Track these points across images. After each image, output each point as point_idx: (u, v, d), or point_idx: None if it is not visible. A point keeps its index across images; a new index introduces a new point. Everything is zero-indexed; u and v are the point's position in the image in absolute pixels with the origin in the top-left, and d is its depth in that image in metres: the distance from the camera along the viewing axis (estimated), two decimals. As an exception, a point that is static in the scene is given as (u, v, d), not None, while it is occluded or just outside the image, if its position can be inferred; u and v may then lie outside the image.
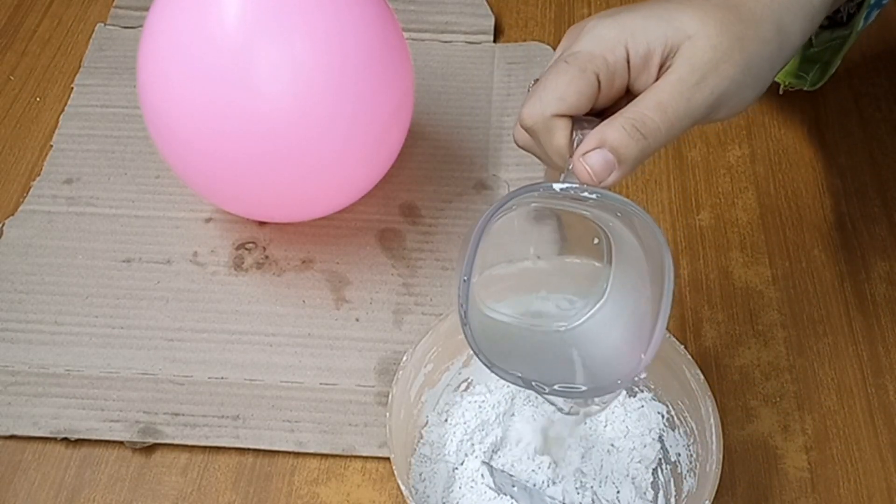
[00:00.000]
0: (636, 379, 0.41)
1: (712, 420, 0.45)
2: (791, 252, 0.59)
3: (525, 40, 0.71)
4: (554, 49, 0.69)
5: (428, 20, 0.72)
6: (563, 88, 0.38)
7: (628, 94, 0.40)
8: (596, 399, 0.43)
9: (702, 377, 0.46)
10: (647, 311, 0.40)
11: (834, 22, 0.58)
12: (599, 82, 0.39)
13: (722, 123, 0.65)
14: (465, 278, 0.37)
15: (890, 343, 0.55)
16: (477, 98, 0.67)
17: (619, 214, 0.40)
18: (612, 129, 0.38)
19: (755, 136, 0.65)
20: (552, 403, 0.43)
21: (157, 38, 0.50)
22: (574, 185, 0.38)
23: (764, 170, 0.63)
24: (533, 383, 0.40)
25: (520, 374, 0.39)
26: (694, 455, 0.47)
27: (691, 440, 0.47)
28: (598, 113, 0.41)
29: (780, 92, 0.63)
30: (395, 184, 0.62)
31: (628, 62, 0.39)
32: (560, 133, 0.39)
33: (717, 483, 0.43)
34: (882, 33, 0.69)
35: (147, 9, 0.51)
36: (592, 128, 0.39)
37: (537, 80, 0.41)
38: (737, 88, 0.39)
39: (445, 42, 0.70)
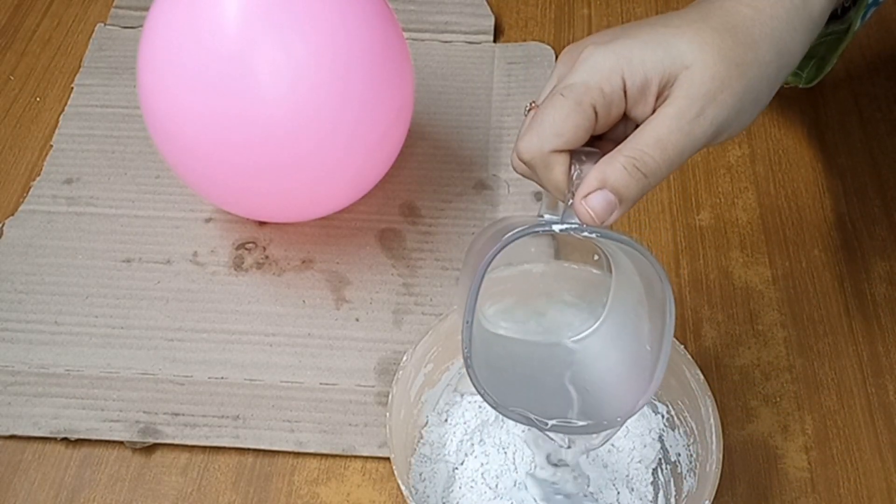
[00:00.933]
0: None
1: (712, 420, 0.45)
2: (791, 252, 0.59)
3: (525, 40, 0.71)
4: (554, 49, 0.70)
5: (428, 20, 0.72)
6: (560, 124, 0.38)
7: (625, 119, 0.40)
8: (594, 435, 0.43)
9: (701, 377, 0.46)
10: (646, 337, 0.40)
11: (830, 16, 0.57)
12: (596, 113, 0.38)
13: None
14: (468, 321, 0.37)
15: (890, 343, 0.55)
16: (477, 98, 0.67)
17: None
18: (613, 170, 0.37)
19: (755, 136, 0.65)
20: (551, 438, 0.43)
21: (157, 39, 0.49)
22: (573, 226, 0.38)
23: (764, 170, 0.63)
24: (534, 419, 0.40)
25: (522, 412, 0.39)
26: (694, 455, 0.47)
27: (691, 440, 0.47)
28: (596, 137, 0.40)
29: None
30: (395, 184, 0.62)
31: (625, 92, 0.38)
32: (558, 168, 0.38)
33: (718, 483, 0.43)
34: (882, 34, 0.69)
35: (147, 9, 0.51)
36: (591, 160, 0.38)
37: (533, 102, 0.41)
38: (736, 115, 0.39)
39: (445, 42, 0.70)
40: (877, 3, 0.55)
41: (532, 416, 0.40)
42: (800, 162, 0.63)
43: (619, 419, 0.40)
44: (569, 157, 0.38)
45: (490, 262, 0.37)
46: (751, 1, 0.40)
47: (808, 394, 0.53)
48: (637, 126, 0.39)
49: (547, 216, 0.40)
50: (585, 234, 0.38)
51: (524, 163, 0.39)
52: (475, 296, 0.37)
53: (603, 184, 0.37)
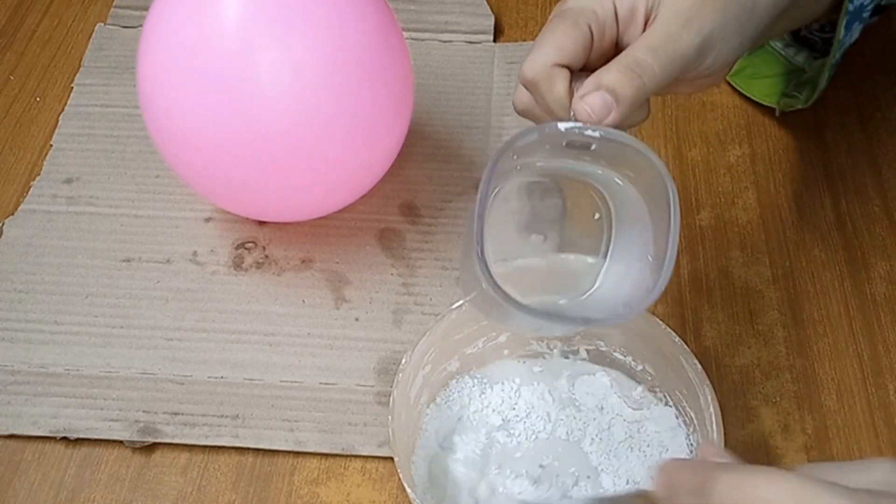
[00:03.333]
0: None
1: (711, 409, 0.45)
2: (791, 252, 0.59)
3: (525, 40, 0.71)
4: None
5: (428, 20, 0.72)
6: (560, 39, 0.41)
7: (618, 53, 0.42)
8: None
9: (699, 367, 0.46)
10: (654, 264, 0.41)
11: (826, 54, 0.59)
12: (592, 35, 0.41)
13: (722, 123, 0.65)
14: (479, 215, 0.38)
15: (890, 343, 0.55)
16: (477, 98, 0.67)
17: (617, 164, 0.41)
18: (608, 73, 0.40)
19: (755, 136, 0.65)
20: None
21: (156, 38, 0.50)
22: (578, 124, 0.39)
23: (764, 170, 0.63)
24: (552, 312, 0.40)
25: (535, 305, 0.39)
26: (694, 444, 0.47)
27: (691, 430, 0.47)
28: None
29: (777, 114, 0.64)
30: (395, 184, 0.62)
31: (616, 16, 0.42)
32: (561, 83, 0.40)
33: None
34: (882, 33, 0.69)
35: (147, 8, 0.51)
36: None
37: None
38: (720, 32, 0.41)
39: (445, 42, 0.70)
40: (861, 18, 0.55)
41: (549, 311, 0.39)
42: (800, 162, 0.63)
43: (631, 311, 0.41)
44: (569, 73, 0.41)
45: (501, 156, 0.38)
46: None
47: (808, 394, 0.53)
48: None
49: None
50: (588, 131, 0.39)
51: (527, 83, 0.41)
52: (487, 187, 0.38)
53: (599, 86, 0.40)
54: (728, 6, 0.42)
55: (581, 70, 0.42)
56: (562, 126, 0.40)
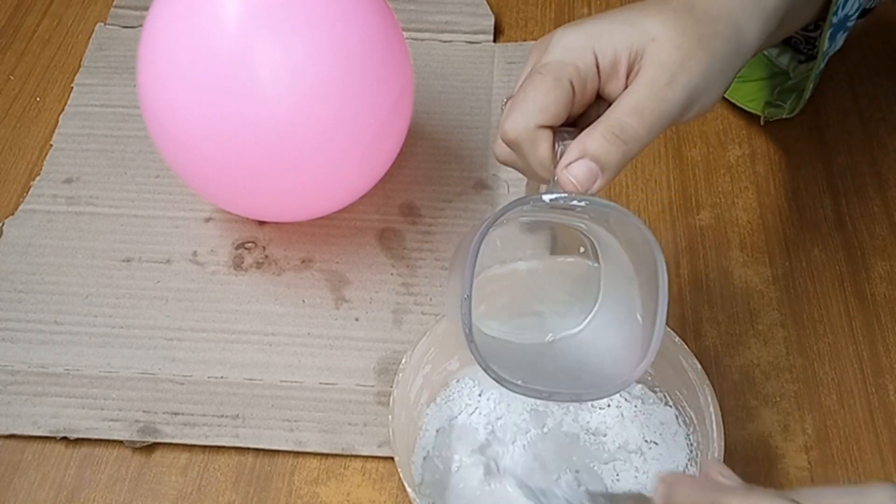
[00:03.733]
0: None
1: (712, 408, 0.45)
2: (791, 252, 0.59)
3: (525, 40, 0.71)
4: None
5: (428, 20, 0.72)
6: (542, 99, 0.39)
7: (598, 101, 0.42)
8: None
9: (699, 366, 0.46)
10: (639, 319, 0.40)
11: (810, 56, 0.59)
12: (573, 90, 0.40)
13: (722, 123, 0.65)
14: (467, 295, 0.37)
15: (890, 343, 0.55)
16: (477, 98, 0.67)
17: (607, 223, 0.41)
18: (593, 139, 0.39)
19: (755, 136, 0.65)
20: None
21: (156, 38, 0.50)
22: (563, 195, 0.39)
23: (764, 170, 0.63)
24: (541, 390, 0.40)
25: (525, 385, 0.39)
26: (695, 444, 0.47)
27: (691, 430, 0.47)
28: (573, 122, 0.42)
29: (762, 123, 0.63)
30: (395, 184, 0.62)
31: (598, 68, 0.40)
32: (544, 145, 0.39)
33: None
34: (882, 33, 0.69)
35: (147, 9, 0.51)
36: (572, 137, 0.39)
37: (509, 98, 0.42)
38: (706, 84, 0.40)
39: (445, 42, 0.70)
40: (846, 27, 0.55)
41: (539, 388, 0.39)
42: (800, 162, 0.63)
43: (619, 385, 0.41)
44: (552, 133, 0.39)
45: (484, 235, 0.37)
46: None
47: (808, 394, 0.53)
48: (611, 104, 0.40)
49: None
50: (574, 202, 0.38)
51: (510, 142, 0.40)
52: (472, 270, 0.37)
53: (583, 153, 0.38)
54: (713, 55, 0.40)
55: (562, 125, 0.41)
56: (547, 198, 0.39)
